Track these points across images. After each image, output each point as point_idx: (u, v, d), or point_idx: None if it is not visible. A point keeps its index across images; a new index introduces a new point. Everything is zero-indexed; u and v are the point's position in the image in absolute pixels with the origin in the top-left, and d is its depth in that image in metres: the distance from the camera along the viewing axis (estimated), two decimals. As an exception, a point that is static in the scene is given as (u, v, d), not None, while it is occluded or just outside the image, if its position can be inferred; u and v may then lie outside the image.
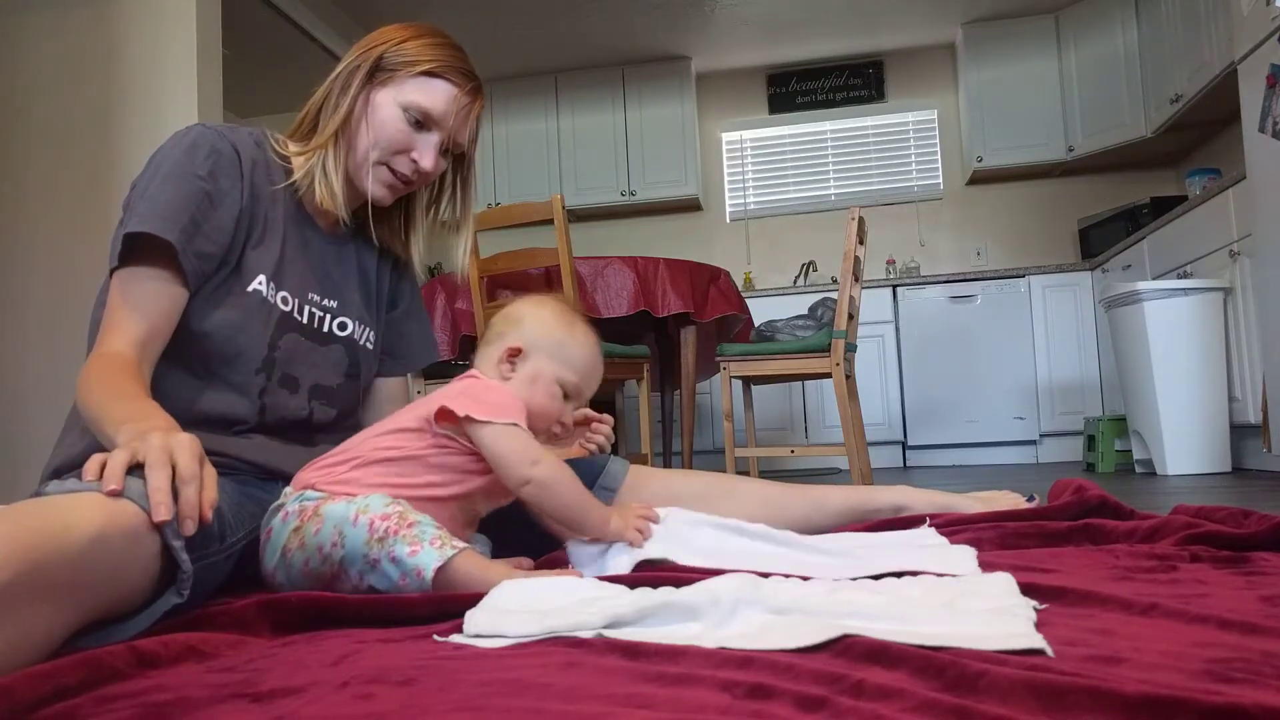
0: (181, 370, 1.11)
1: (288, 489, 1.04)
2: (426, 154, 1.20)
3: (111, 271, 1.09)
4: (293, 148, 1.24)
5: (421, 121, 1.20)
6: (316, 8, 4.44)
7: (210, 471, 0.85)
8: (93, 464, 0.82)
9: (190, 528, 0.81)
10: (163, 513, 0.79)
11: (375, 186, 1.21)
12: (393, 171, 1.21)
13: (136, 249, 1.07)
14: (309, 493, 1.01)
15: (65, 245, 2.86)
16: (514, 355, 1.12)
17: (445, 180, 1.34)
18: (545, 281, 2.93)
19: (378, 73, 1.20)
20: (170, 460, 0.82)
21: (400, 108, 1.19)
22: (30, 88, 2.94)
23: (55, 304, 2.85)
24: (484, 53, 5.20)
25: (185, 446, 0.84)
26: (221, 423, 1.14)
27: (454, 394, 1.06)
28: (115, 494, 0.79)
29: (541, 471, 1.03)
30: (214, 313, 1.12)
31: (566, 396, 1.14)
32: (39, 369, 2.82)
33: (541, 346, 1.13)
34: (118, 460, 0.81)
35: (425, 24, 1.26)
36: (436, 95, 1.20)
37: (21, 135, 2.94)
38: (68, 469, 1.09)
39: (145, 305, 1.06)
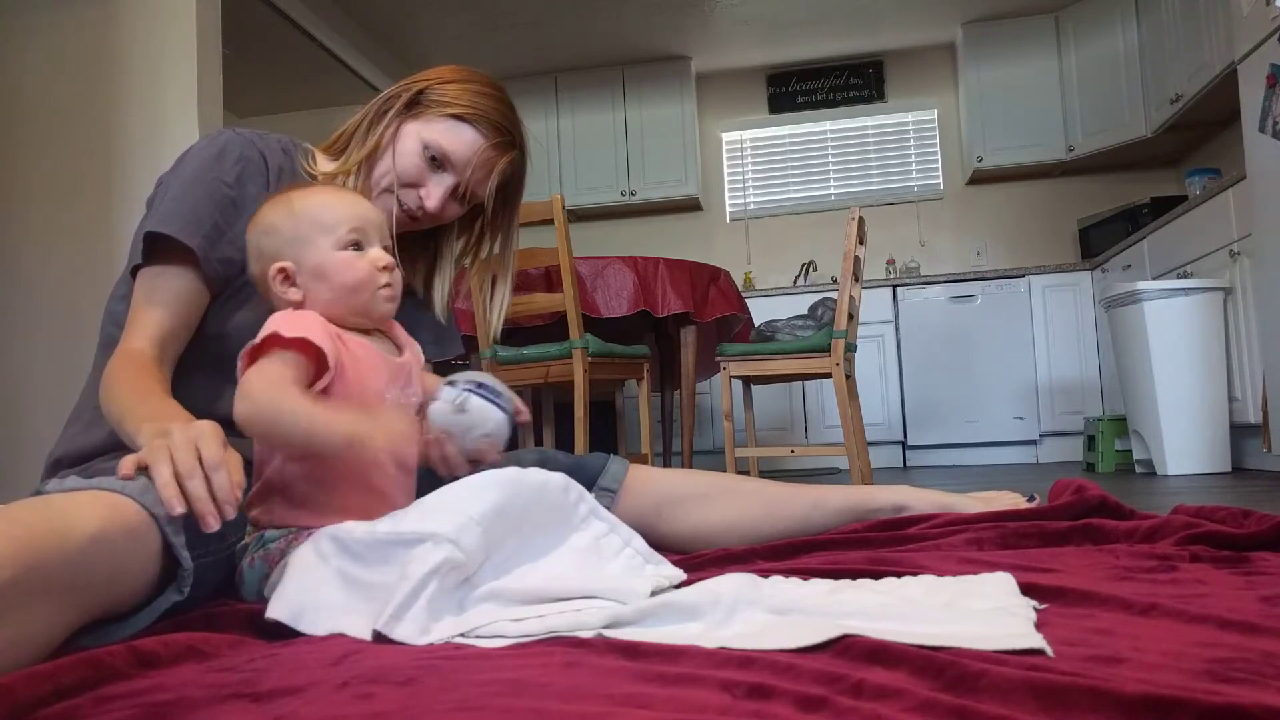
0: (196, 372, 1.11)
1: (249, 527, 1.00)
2: (434, 193, 1.19)
3: (135, 268, 1.08)
4: (321, 162, 1.24)
5: (439, 162, 1.19)
6: (317, 8, 4.43)
7: (234, 456, 0.86)
8: (127, 464, 0.83)
9: (230, 512, 0.82)
10: (171, 507, 0.80)
11: None
12: (400, 204, 1.20)
13: (160, 248, 1.07)
14: (269, 533, 0.96)
15: (65, 243, 2.86)
16: (286, 277, 0.99)
17: (483, 232, 1.32)
18: (545, 282, 2.93)
19: (414, 106, 1.20)
20: (196, 451, 0.82)
21: (422, 143, 1.18)
22: (29, 87, 2.94)
23: (55, 302, 2.84)
24: (484, 53, 5.20)
25: (208, 435, 0.84)
26: (230, 424, 1.14)
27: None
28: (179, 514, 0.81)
29: (242, 407, 0.88)
30: (232, 316, 1.12)
31: (360, 247, 1.00)
32: (39, 367, 2.82)
33: (289, 244, 0.98)
34: (164, 475, 0.81)
35: (478, 72, 1.25)
36: (459, 140, 1.19)
37: (21, 134, 2.94)
38: (70, 460, 1.09)
39: (168, 304, 1.06)
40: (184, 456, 0.81)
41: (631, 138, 5.51)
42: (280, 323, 0.93)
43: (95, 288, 2.71)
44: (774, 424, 4.96)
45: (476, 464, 1.03)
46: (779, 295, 4.99)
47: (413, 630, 0.79)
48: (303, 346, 0.92)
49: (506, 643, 0.77)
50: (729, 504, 1.36)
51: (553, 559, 0.94)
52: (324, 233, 0.99)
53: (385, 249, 1.02)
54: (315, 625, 0.83)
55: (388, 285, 1.00)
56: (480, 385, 1.02)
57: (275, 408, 0.88)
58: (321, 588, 0.85)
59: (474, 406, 1.00)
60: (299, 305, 0.99)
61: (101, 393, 1.00)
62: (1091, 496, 1.31)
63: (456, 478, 1.02)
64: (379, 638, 0.79)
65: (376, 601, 0.83)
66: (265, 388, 0.89)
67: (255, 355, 0.93)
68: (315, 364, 0.94)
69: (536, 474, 0.95)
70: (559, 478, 0.97)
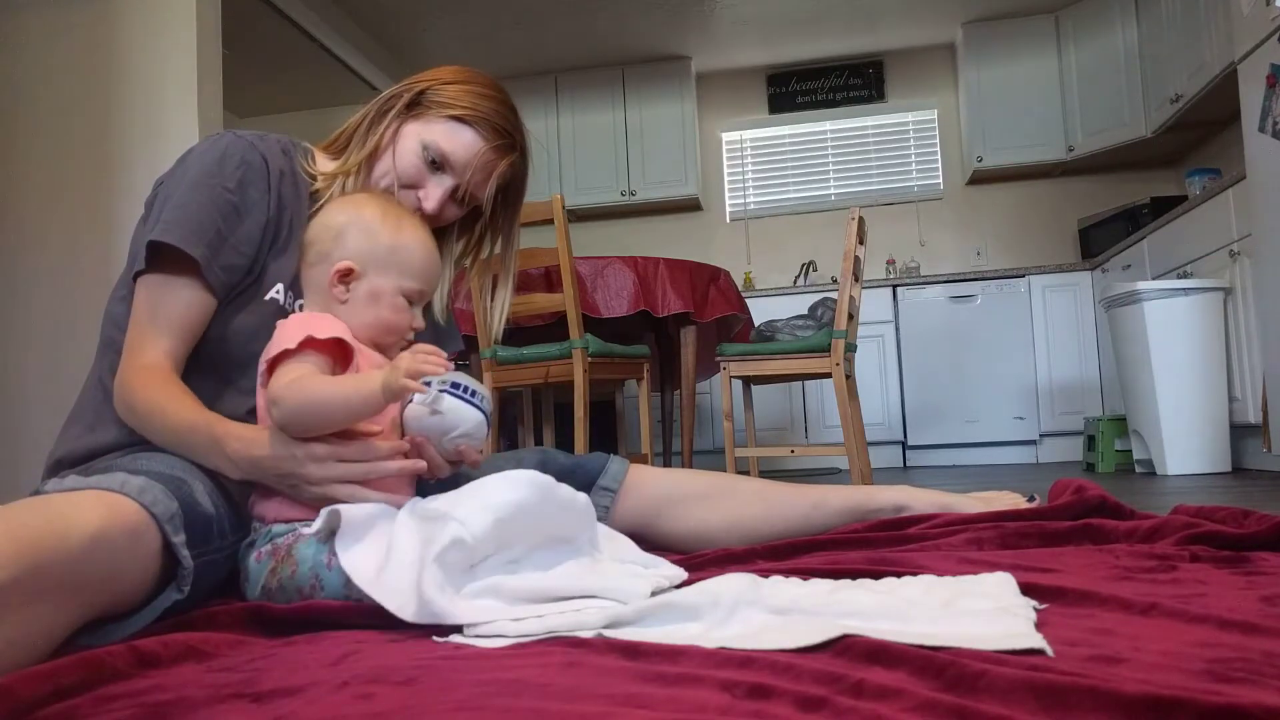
0: (195, 375, 1.11)
1: (256, 523, 1.00)
2: (433, 194, 1.19)
3: (137, 273, 1.08)
4: (321, 162, 1.23)
5: (438, 163, 1.18)
6: (317, 7, 4.43)
7: (364, 447, 0.93)
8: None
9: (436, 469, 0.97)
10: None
11: None
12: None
13: (164, 256, 1.07)
14: (276, 528, 0.96)
15: (65, 244, 2.86)
16: (346, 276, 1.02)
17: (484, 233, 1.32)
18: (545, 282, 2.93)
19: (415, 106, 1.20)
20: (336, 474, 0.92)
21: (421, 144, 1.18)
22: (29, 87, 2.94)
23: (55, 303, 2.84)
24: (484, 53, 5.20)
25: (323, 466, 0.92)
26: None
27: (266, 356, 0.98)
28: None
29: (277, 412, 0.92)
30: (233, 319, 1.12)
31: (410, 303, 1.06)
32: (39, 368, 2.82)
33: (374, 260, 1.02)
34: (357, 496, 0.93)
35: (480, 73, 1.25)
36: (459, 141, 1.18)
37: (21, 134, 2.93)
38: (71, 461, 1.09)
39: (175, 315, 1.06)
40: (332, 472, 0.92)
41: (631, 138, 5.51)
42: (311, 326, 0.96)
43: (94, 288, 2.70)
44: (774, 424, 4.96)
45: (457, 464, 1.03)
46: (779, 295, 4.99)
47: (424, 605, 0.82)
48: (328, 347, 0.96)
49: (506, 643, 0.77)
50: (729, 504, 1.36)
51: (561, 568, 0.95)
52: (405, 275, 1.05)
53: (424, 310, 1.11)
54: (379, 592, 0.86)
55: (407, 342, 1.07)
56: (455, 385, 0.98)
57: (307, 398, 0.91)
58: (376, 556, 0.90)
59: (448, 407, 0.96)
60: (342, 303, 1.03)
61: (141, 412, 1.01)
62: (1091, 496, 1.31)
63: (439, 480, 1.03)
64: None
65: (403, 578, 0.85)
66: (289, 386, 0.92)
67: (279, 361, 0.95)
68: (332, 363, 0.97)
69: (566, 489, 0.96)
70: (584, 498, 0.99)
